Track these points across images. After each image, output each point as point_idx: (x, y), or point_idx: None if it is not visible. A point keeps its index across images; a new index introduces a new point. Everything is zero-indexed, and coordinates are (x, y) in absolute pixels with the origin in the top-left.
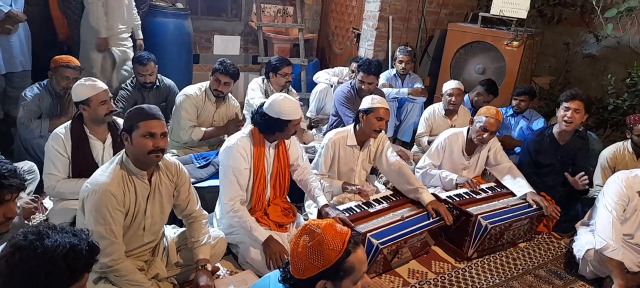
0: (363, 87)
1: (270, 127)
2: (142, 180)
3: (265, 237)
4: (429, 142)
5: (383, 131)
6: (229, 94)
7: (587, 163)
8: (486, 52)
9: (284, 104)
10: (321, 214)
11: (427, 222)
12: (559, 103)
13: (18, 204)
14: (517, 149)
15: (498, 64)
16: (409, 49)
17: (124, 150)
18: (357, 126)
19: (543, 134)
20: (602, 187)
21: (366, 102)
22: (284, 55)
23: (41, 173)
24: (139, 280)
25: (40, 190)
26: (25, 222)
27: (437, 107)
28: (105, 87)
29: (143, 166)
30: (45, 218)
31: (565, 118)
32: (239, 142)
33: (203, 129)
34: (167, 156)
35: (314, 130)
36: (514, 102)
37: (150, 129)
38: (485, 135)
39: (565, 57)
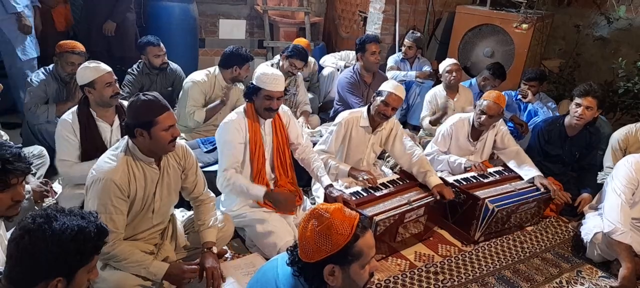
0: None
1: (250, 93)
2: (150, 166)
3: (263, 191)
4: (432, 122)
5: (394, 117)
6: None
7: (594, 159)
8: (495, 35)
9: (262, 71)
10: (326, 194)
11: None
12: (572, 96)
13: (28, 188)
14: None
15: (507, 47)
16: (417, 34)
17: (128, 137)
18: (371, 108)
19: (554, 124)
20: (612, 168)
21: (383, 85)
22: (291, 41)
23: (51, 158)
24: (139, 260)
25: (50, 174)
26: (36, 207)
27: (438, 89)
28: (109, 69)
29: (155, 155)
30: (55, 202)
31: (576, 114)
32: (233, 118)
33: (204, 109)
34: None
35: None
36: (522, 86)
37: (169, 122)
38: (482, 118)
39: (576, 39)
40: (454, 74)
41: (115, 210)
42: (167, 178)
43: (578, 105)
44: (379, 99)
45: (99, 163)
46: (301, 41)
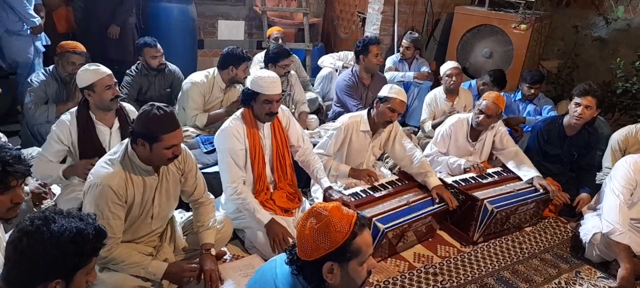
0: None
1: (248, 99)
2: (149, 174)
3: (268, 219)
4: (434, 126)
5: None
6: None
7: (592, 159)
8: (493, 36)
9: (258, 74)
10: (326, 196)
11: (432, 207)
12: (572, 96)
13: (27, 190)
14: (526, 128)
15: (505, 47)
16: (415, 35)
17: (129, 142)
18: (372, 111)
19: (554, 123)
20: (611, 169)
21: (384, 90)
22: (287, 42)
23: None
24: (137, 261)
25: None
26: (34, 209)
27: (438, 92)
28: (109, 72)
29: (152, 164)
30: (53, 203)
31: (575, 113)
32: (231, 124)
33: (206, 114)
34: None
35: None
36: (526, 90)
37: (173, 142)
38: (480, 117)
39: (574, 40)
40: (454, 78)
41: (113, 215)
42: (165, 184)
43: (577, 104)
44: (383, 105)
45: (96, 168)
46: (274, 29)
